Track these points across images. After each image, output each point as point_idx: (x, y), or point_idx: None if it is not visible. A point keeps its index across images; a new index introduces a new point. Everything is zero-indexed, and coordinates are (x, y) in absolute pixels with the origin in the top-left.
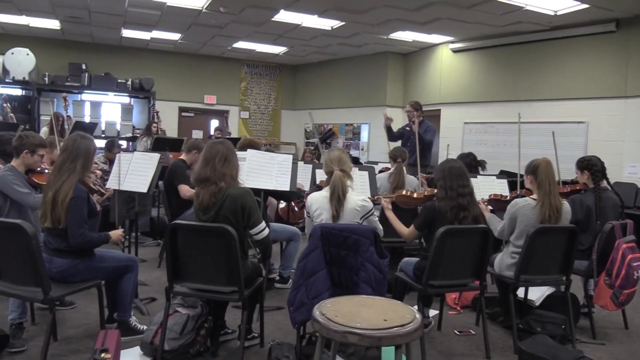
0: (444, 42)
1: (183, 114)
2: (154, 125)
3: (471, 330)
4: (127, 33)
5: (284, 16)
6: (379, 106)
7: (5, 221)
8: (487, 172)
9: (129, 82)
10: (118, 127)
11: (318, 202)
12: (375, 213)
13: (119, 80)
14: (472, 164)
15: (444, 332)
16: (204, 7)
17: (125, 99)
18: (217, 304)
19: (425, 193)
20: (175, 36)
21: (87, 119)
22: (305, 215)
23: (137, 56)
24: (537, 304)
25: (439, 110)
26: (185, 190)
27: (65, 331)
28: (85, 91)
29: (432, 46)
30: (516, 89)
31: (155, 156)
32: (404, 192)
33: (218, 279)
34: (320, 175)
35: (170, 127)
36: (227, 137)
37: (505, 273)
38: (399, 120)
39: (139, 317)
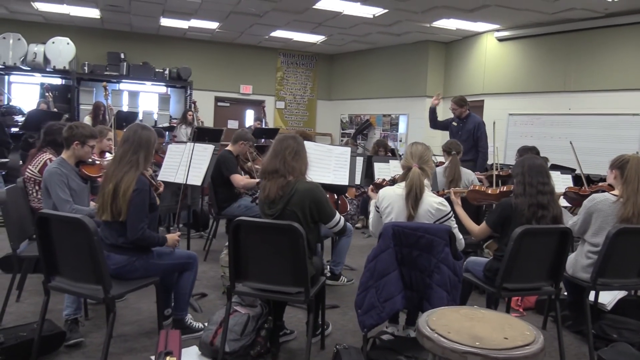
0: (489, 31)
1: (219, 103)
2: (190, 113)
3: None
4: (165, 22)
5: (326, 4)
6: (419, 97)
7: (66, 216)
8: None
9: (167, 72)
10: (155, 116)
11: (390, 199)
12: (452, 219)
13: (157, 70)
14: None
15: None
16: None
17: (162, 88)
18: (276, 304)
19: (502, 189)
20: (213, 25)
21: (124, 109)
22: (371, 209)
23: (174, 45)
24: (609, 308)
25: (482, 101)
26: (238, 179)
27: (119, 328)
28: (124, 80)
29: (476, 35)
30: (565, 80)
31: (210, 147)
32: (477, 188)
33: (283, 278)
34: None
35: (206, 117)
36: (265, 127)
37: (579, 275)
38: (440, 111)
39: (192, 315)
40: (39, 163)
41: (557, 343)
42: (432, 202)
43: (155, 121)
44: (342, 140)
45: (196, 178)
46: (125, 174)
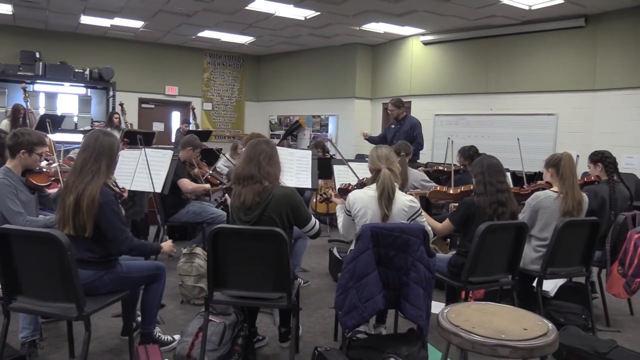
0: (414, 35)
1: (143, 105)
2: (116, 116)
3: None
4: (85, 20)
5: (259, 5)
6: (348, 98)
7: (33, 231)
8: None
9: (87, 72)
10: (75, 119)
11: (362, 202)
12: (422, 214)
13: (76, 70)
14: (473, 157)
15: None
16: None
17: (81, 89)
18: (250, 310)
19: (462, 188)
20: (137, 24)
21: (41, 111)
22: (342, 213)
23: (95, 45)
24: (552, 294)
25: (410, 102)
26: (186, 184)
27: (80, 346)
28: (39, 81)
29: (402, 38)
30: (487, 82)
31: (168, 153)
32: (438, 188)
33: (264, 284)
34: None
35: (130, 119)
36: (196, 130)
37: (529, 267)
38: (368, 112)
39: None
40: None
41: None
42: (404, 201)
43: (76, 124)
44: None
45: (155, 185)
46: (87, 185)
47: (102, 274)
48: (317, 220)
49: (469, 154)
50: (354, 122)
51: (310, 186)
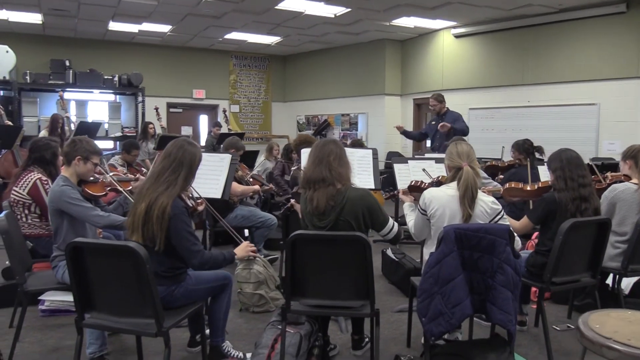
0: (445, 28)
1: (171, 109)
2: (151, 126)
3: (570, 325)
4: (114, 26)
5: (289, 4)
6: (377, 95)
7: (110, 244)
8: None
9: (116, 79)
10: (106, 126)
11: (440, 201)
12: (505, 217)
13: (105, 77)
14: (529, 150)
15: (542, 328)
16: None
17: (110, 96)
18: (323, 319)
19: (539, 184)
20: (165, 28)
21: (72, 119)
22: (412, 212)
23: (122, 51)
24: (627, 292)
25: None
26: (235, 186)
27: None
28: (69, 89)
29: (432, 32)
30: (524, 73)
31: (226, 157)
32: (513, 185)
33: (345, 292)
34: None
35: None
36: (228, 132)
37: (608, 264)
38: (399, 108)
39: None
40: (28, 184)
41: None
42: (486, 201)
43: (107, 131)
44: None
45: (214, 190)
46: (160, 194)
47: (173, 289)
48: (395, 222)
49: (524, 147)
50: (384, 119)
51: (373, 187)
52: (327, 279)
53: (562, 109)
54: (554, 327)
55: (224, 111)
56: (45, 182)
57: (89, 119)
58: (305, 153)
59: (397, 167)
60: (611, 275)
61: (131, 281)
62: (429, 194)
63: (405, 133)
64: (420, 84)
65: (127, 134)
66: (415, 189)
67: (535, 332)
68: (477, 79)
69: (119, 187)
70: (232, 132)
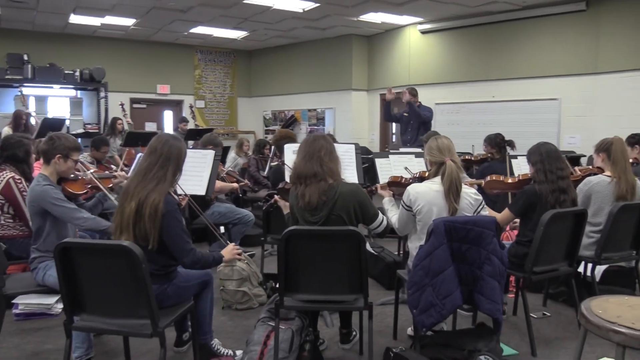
0: (411, 24)
1: (134, 105)
2: (119, 122)
3: (545, 313)
4: (75, 19)
5: None
6: (344, 90)
7: (104, 244)
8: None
9: (77, 73)
10: (67, 122)
11: (426, 197)
12: (485, 205)
13: (66, 72)
14: (501, 145)
15: (520, 317)
16: None
17: (71, 91)
18: (312, 314)
19: (520, 177)
20: (128, 22)
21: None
22: (393, 207)
23: (83, 45)
24: (597, 280)
25: None
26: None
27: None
28: (28, 84)
29: (399, 28)
30: (488, 69)
31: (209, 153)
32: (494, 177)
33: (339, 286)
34: None
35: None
36: (197, 128)
37: (582, 253)
38: (366, 103)
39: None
40: (0, 183)
41: (563, 318)
42: (469, 193)
43: (68, 128)
44: (265, 137)
45: (198, 187)
46: (150, 191)
47: (165, 287)
48: (384, 217)
49: (496, 141)
50: (351, 114)
51: (357, 182)
52: (320, 273)
53: (526, 103)
54: (531, 315)
55: (191, 107)
56: (19, 181)
57: (49, 115)
58: (288, 148)
59: (379, 162)
60: (583, 263)
61: (125, 281)
62: (414, 190)
63: (388, 105)
64: (387, 79)
65: (90, 131)
66: (395, 184)
67: (514, 320)
68: (443, 74)
69: (99, 185)
70: (200, 127)
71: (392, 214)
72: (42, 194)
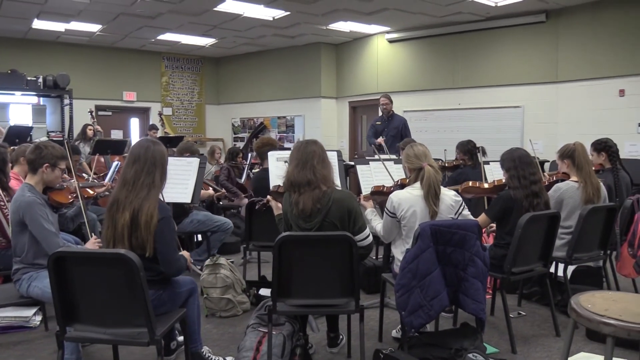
0: (379, 33)
1: (100, 112)
2: (90, 128)
3: (521, 312)
4: (38, 24)
5: (228, 6)
6: (313, 97)
7: (102, 252)
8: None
9: (40, 80)
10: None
11: (409, 202)
12: (465, 207)
13: (28, 78)
14: (473, 151)
15: (498, 316)
16: None
17: (33, 98)
18: (302, 318)
19: (495, 182)
20: (94, 27)
21: None
22: (376, 216)
23: (46, 51)
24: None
25: (377, 99)
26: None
27: None
28: None
29: (367, 36)
30: (454, 77)
31: (194, 161)
32: (470, 184)
33: (331, 291)
34: None
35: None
36: (167, 136)
37: (554, 254)
38: (335, 111)
39: None
40: None
41: (538, 317)
42: (450, 196)
43: (31, 136)
44: (234, 144)
45: (182, 195)
46: (143, 200)
47: (160, 293)
48: (370, 233)
49: (467, 148)
50: (320, 122)
51: (340, 187)
52: (313, 278)
53: (490, 111)
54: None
55: (160, 114)
56: None
57: (11, 123)
58: (272, 156)
59: (360, 169)
60: (554, 264)
61: (121, 290)
62: (396, 197)
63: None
64: (355, 86)
65: (54, 139)
66: (378, 194)
67: (492, 320)
68: (410, 82)
69: (88, 192)
70: (170, 135)
71: (376, 223)
72: (25, 205)
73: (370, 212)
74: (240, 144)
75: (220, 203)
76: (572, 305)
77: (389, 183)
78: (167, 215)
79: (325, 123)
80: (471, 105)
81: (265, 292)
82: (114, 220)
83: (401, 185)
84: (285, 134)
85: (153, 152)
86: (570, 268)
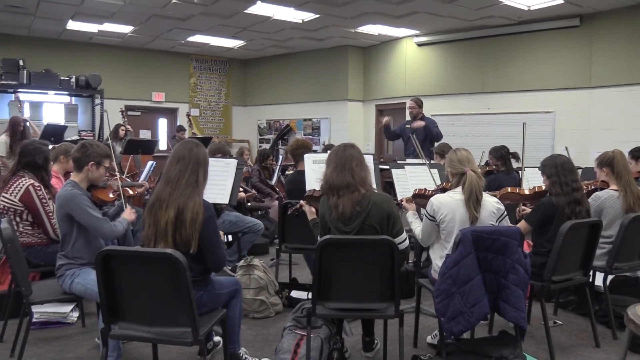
0: (408, 36)
1: (129, 112)
2: (122, 128)
3: (557, 321)
4: (72, 25)
5: (259, 8)
6: (340, 100)
7: (148, 251)
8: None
9: (73, 80)
10: None
11: (449, 206)
12: (507, 215)
13: (62, 78)
14: (506, 157)
15: (534, 325)
16: None
17: (66, 98)
18: (339, 322)
19: (536, 189)
20: (126, 29)
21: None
22: (416, 219)
23: (79, 51)
24: (603, 290)
25: (405, 103)
26: None
27: None
28: (23, 90)
29: (395, 40)
30: (483, 81)
31: (232, 162)
32: (510, 190)
33: (371, 295)
34: None
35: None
36: (195, 137)
37: (594, 263)
38: (361, 114)
39: None
40: (19, 190)
41: (575, 326)
42: (492, 202)
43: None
44: (260, 146)
45: (220, 196)
46: (188, 198)
47: (201, 293)
48: (407, 238)
49: (501, 153)
50: (347, 125)
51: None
52: (352, 282)
53: (520, 116)
54: (542, 323)
55: (188, 115)
56: (38, 188)
57: (44, 122)
58: (308, 158)
59: (395, 172)
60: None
61: (166, 289)
62: (437, 200)
63: (387, 128)
64: (382, 90)
65: (85, 138)
66: (420, 197)
67: (529, 329)
68: (438, 86)
69: (128, 192)
70: (198, 136)
71: (416, 226)
72: (69, 198)
73: (411, 215)
74: (266, 146)
75: (249, 204)
76: (630, 317)
77: (430, 187)
78: (212, 213)
79: (351, 126)
80: (500, 110)
81: (297, 294)
82: (156, 218)
83: (442, 189)
84: (311, 137)
85: (197, 153)
86: (599, 276)
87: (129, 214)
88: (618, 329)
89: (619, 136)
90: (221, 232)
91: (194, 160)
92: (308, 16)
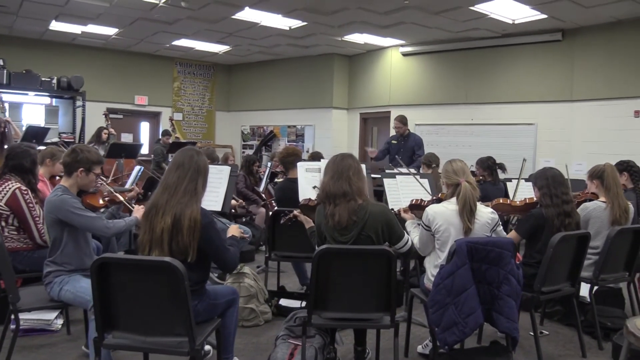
0: (393, 46)
1: (111, 115)
2: (105, 131)
3: (543, 331)
4: (55, 26)
5: (246, 14)
6: (325, 108)
7: (146, 260)
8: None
9: (54, 81)
10: None
11: (443, 216)
12: (500, 224)
13: (43, 79)
14: (492, 167)
15: (522, 335)
16: (162, 1)
17: (46, 99)
18: (332, 332)
19: (526, 200)
20: (110, 31)
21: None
22: (415, 229)
23: (61, 52)
24: (588, 300)
25: (389, 112)
26: None
27: None
28: (3, 90)
29: (380, 49)
30: (467, 92)
31: (226, 169)
32: (501, 201)
33: (367, 305)
34: None
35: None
36: (179, 141)
37: (581, 274)
38: (345, 122)
39: None
40: (5, 194)
41: (561, 336)
42: (487, 213)
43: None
44: (243, 152)
45: (213, 203)
46: (185, 205)
47: (196, 303)
48: (409, 237)
49: (487, 164)
50: (331, 132)
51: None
52: (349, 291)
53: (503, 127)
54: (530, 333)
55: (171, 119)
56: (25, 192)
57: (24, 123)
58: (301, 166)
59: (387, 182)
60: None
61: (163, 298)
62: (432, 210)
63: (375, 158)
64: (367, 98)
65: (65, 140)
66: (416, 207)
67: None
68: (423, 96)
69: (118, 198)
70: (182, 141)
71: (414, 235)
72: (59, 203)
73: (410, 224)
74: (250, 152)
75: (233, 211)
76: (630, 329)
77: (426, 197)
78: (210, 220)
79: (335, 134)
80: (484, 120)
81: (286, 302)
82: (152, 224)
83: (438, 200)
84: (295, 143)
85: (197, 161)
86: (585, 288)
87: (137, 210)
88: (603, 339)
89: (599, 149)
90: None
91: (194, 168)
92: (295, 23)
